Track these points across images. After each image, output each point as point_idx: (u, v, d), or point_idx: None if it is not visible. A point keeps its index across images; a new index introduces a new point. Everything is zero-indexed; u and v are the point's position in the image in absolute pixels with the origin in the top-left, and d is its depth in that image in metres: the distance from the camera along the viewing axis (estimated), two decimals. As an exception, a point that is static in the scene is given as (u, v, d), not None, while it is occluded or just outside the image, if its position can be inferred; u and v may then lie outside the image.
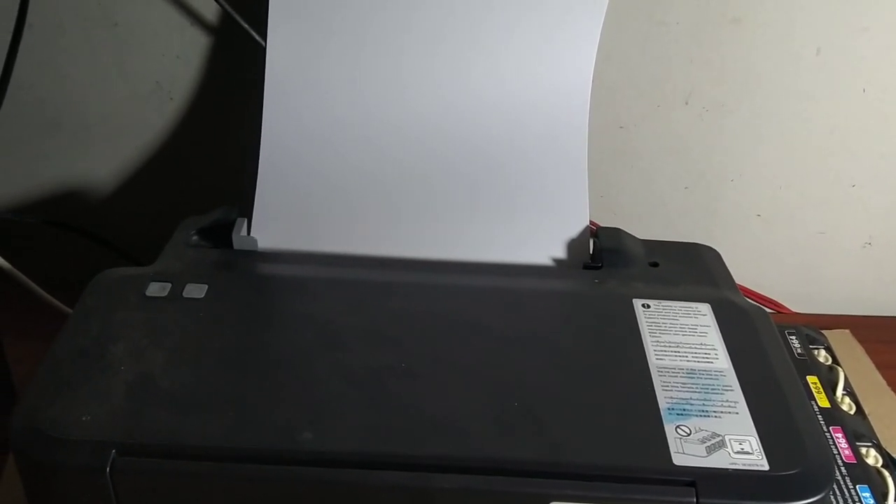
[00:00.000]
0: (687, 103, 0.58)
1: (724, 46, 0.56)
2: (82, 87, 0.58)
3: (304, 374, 0.39)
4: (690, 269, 0.48)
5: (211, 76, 0.57)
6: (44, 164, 0.61)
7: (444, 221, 0.49)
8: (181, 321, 0.41)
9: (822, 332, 0.57)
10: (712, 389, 0.39)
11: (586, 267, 0.48)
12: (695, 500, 0.33)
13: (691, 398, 0.38)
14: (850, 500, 0.44)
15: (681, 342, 0.41)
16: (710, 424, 0.37)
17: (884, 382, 0.55)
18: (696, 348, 0.41)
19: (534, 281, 0.46)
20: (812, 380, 0.51)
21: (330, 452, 0.35)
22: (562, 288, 0.46)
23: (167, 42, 0.56)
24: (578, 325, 0.43)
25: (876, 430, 0.49)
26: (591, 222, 0.49)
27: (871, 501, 0.44)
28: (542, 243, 0.48)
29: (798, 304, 0.65)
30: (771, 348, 0.41)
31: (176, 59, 0.57)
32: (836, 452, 0.46)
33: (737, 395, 0.38)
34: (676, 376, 0.39)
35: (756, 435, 0.36)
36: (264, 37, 0.49)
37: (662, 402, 0.38)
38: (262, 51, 0.49)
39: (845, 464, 0.46)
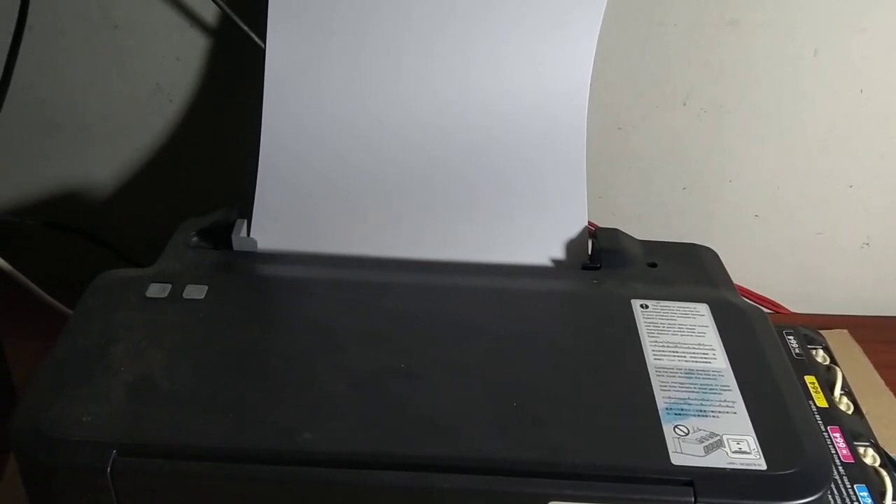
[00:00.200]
0: (685, 104, 0.58)
1: (722, 47, 0.56)
2: (82, 89, 0.58)
3: (304, 375, 0.39)
4: (689, 270, 0.48)
5: (210, 78, 0.58)
6: (44, 166, 0.61)
7: (444, 222, 0.49)
8: (181, 322, 0.41)
9: (820, 331, 0.57)
10: (710, 389, 0.39)
11: (585, 267, 0.48)
12: (693, 499, 0.33)
13: (689, 398, 0.38)
14: (847, 500, 0.44)
15: (679, 342, 0.41)
16: (707, 424, 0.37)
17: (882, 382, 0.55)
18: (694, 348, 0.41)
19: (532, 281, 0.46)
20: (810, 379, 0.51)
21: (330, 453, 0.35)
22: (560, 288, 0.46)
23: (167, 44, 0.56)
24: (577, 325, 0.43)
25: (874, 430, 0.49)
26: (590, 223, 0.49)
27: (869, 501, 0.44)
28: (541, 244, 0.48)
29: (796, 304, 0.65)
30: (769, 348, 0.42)
31: (176, 61, 0.57)
32: (833, 452, 0.46)
33: (735, 394, 0.38)
34: (674, 376, 0.39)
35: (754, 435, 0.36)
36: (264, 38, 0.49)
37: (660, 402, 0.38)
38: (262, 52, 0.49)
39: (843, 463, 0.46)
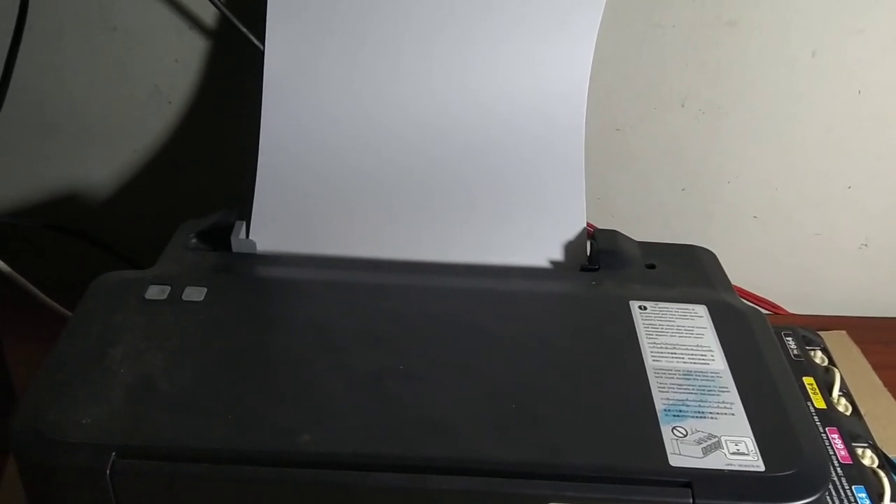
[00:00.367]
0: (683, 105, 0.58)
1: (719, 49, 0.56)
2: (82, 91, 0.58)
3: (303, 377, 0.39)
4: (687, 271, 0.48)
5: (209, 80, 0.58)
6: (43, 167, 0.61)
7: (442, 223, 0.49)
8: (180, 324, 0.41)
9: (819, 333, 0.57)
10: (708, 391, 0.39)
11: (583, 269, 0.48)
12: (691, 500, 0.34)
13: (687, 399, 0.38)
14: (846, 501, 0.44)
15: (677, 344, 0.42)
16: (706, 425, 0.37)
17: (880, 383, 0.55)
18: (692, 350, 0.41)
19: (531, 283, 0.46)
20: (808, 381, 0.52)
21: (329, 454, 0.35)
22: (559, 290, 0.46)
23: (166, 46, 0.56)
24: (575, 326, 0.43)
25: (872, 431, 0.49)
26: (588, 224, 0.49)
27: (868, 502, 0.44)
28: (540, 245, 0.48)
29: (794, 305, 0.65)
30: (767, 349, 0.42)
31: (175, 63, 0.57)
32: (832, 453, 0.46)
33: (733, 396, 0.38)
34: (673, 378, 0.39)
35: (752, 436, 0.36)
36: (262, 40, 0.49)
37: (659, 404, 0.38)
38: (261, 54, 0.49)
39: (841, 464, 0.46)
